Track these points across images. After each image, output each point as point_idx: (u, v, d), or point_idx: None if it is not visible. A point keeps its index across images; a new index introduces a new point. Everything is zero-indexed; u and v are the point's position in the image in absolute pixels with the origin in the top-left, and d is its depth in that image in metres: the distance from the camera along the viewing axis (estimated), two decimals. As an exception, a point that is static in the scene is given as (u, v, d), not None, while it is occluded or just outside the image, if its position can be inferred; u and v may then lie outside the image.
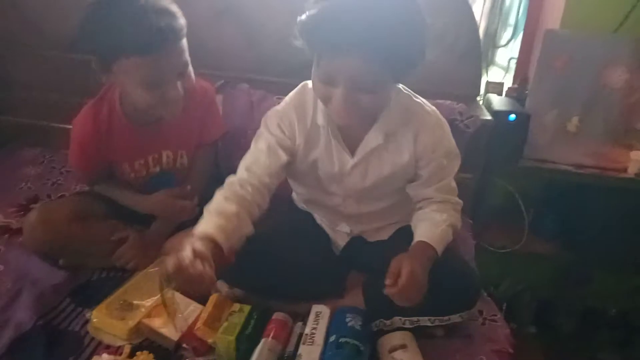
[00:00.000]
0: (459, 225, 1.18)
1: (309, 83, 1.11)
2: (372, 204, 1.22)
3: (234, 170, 1.51)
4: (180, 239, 1.24)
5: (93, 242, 1.29)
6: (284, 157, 1.13)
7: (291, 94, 1.18)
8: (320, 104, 1.09)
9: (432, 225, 1.12)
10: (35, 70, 1.85)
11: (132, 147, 1.31)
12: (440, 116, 1.15)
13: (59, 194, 1.60)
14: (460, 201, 1.20)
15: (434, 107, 1.15)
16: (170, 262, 0.90)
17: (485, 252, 1.76)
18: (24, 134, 1.89)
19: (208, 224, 1.00)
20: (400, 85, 1.11)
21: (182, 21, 1.15)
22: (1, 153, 1.82)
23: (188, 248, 0.92)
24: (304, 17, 0.94)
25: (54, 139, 1.84)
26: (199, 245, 0.93)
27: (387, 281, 0.99)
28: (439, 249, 1.08)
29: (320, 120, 1.10)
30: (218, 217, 1.01)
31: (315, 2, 0.92)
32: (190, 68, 1.22)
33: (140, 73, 1.11)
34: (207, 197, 1.33)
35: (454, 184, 1.18)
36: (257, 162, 1.12)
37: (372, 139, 1.10)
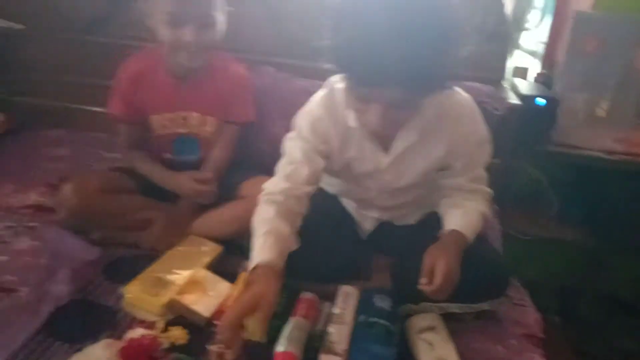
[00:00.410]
0: (489, 215, 1.17)
1: (336, 83, 1.10)
2: (404, 195, 1.22)
3: (257, 153, 1.53)
4: (205, 221, 1.32)
5: (123, 215, 1.32)
6: (321, 162, 1.13)
7: (320, 95, 1.15)
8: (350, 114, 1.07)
9: (463, 213, 1.12)
10: (55, 52, 1.87)
11: (166, 99, 1.38)
12: (473, 104, 1.13)
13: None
14: (490, 190, 1.19)
15: (466, 95, 1.13)
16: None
17: (511, 238, 1.75)
18: (46, 116, 1.91)
19: (270, 249, 1.00)
20: None
21: None
22: (26, 134, 1.85)
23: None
24: (332, 44, 0.91)
25: (75, 120, 1.88)
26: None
27: (423, 280, 1.00)
28: (471, 237, 1.09)
29: (352, 122, 1.07)
30: (276, 241, 1.02)
31: (338, 28, 0.90)
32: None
33: (165, 9, 1.22)
34: (228, 180, 1.39)
35: (484, 172, 1.19)
36: (296, 171, 1.11)
37: (406, 137, 1.09)
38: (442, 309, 1.12)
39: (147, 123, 1.42)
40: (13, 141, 1.79)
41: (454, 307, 1.12)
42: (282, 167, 1.14)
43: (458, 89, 1.13)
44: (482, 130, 1.14)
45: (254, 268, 0.99)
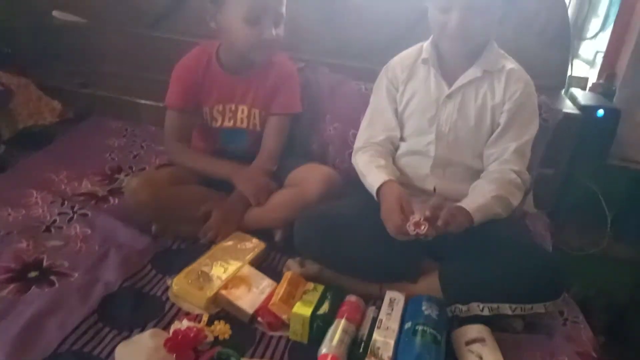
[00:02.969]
0: (513, 200, 1.17)
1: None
2: (459, 153, 1.25)
3: (310, 153, 1.54)
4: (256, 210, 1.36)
5: (187, 205, 1.35)
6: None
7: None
8: (426, 47, 1.25)
9: (476, 195, 1.16)
10: (120, 46, 1.93)
11: (218, 91, 1.44)
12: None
13: (141, 167, 1.67)
14: (526, 173, 1.22)
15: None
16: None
17: (561, 253, 1.69)
18: (109, 107, 1.97)
19: (385, 172, 1.20)
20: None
21: None
22: (87, 123, 1.91)
23: (393, 203, 1.11)
24: None
25: (136, 112, 1.94)
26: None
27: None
28: (476, 216, 1.10)
29: (425, 54, 1.25)
30: (385, 166, 1.23)
31: None
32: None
33: (245, 7, 1.29)
34: (277, 169, 1.43)
35: (528, 151, 1.23)
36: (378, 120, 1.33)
37: (471, 72, 1.21)
38: (492, 309, 1.09)
39: (199, 114, 1.47)
40: (71, 130, 1.85)
41: (505, 308, 1.08)
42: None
43: None
44: (534, 101, 1.25)
45: (379, 188, 1.18)
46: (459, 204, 1.13)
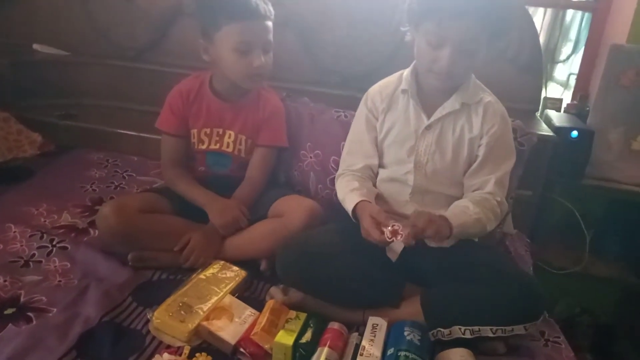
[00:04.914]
0: (489, 226, 1.21)
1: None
2: (436, 182, 1.27)
3: (292, 180, 1.55)
4: (236, 239, 1.38)
5: (160, 235, 1.35)
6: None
7: None
8: (405, 77, 1.27)
9: (460, 212, 1.18)
10: (102, 78, 1.95)
11: (207, 116, 1.49)
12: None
13: (122, 197, 1.66)
14: (505, 203, 1.25)
15: None
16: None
17: (543, 272, 1.70)
18: (91, 139, 1.97)
19: (359, 194, 1.23)
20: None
21: (271, 8, 1.39)
22: (69, 156, 1.90)
23: (368, 220, 1.14)
24: None
25: (119, 144, 1.93)
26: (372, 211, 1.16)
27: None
28: (456, 230, 1.13)
29: (404, 85, 1.27)
30: (360, 187, 1.26)
31: None
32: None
33: (235, 38, 1.34)
34: (259, 199, 1.44)
35: (506, 181, 1.26)
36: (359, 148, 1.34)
37: (450, 104, 1.24)
38: (473, 332, 1.09)
39: (188, 137, 1.51)
40: (51, 162, 1.83)
41: (486, 330, 1.09)
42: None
43: None
44: (509, 134, 1.28)
45: (354, 211, 1.21)
46: (443, 214, 1.15)
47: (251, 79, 1.41)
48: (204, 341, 1.10)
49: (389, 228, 1.10)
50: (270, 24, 1.39)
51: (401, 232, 1.08)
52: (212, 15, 1.36)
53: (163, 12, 1.85)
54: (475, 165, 1.25)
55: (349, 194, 1.25)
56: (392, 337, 1.07)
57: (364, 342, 1.06)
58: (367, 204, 1.20)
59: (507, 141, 1.27)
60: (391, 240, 1.10)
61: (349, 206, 1.22)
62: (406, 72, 1.29)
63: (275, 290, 1.24)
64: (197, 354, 1.05)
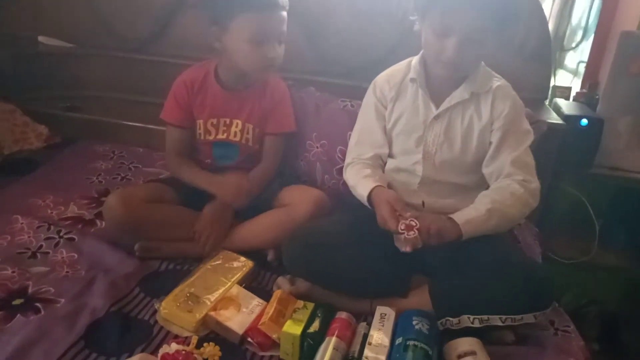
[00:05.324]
0: (513, 212, 1.17)
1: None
2: (445, 172, 1.25)
3: (298, 171, 1.54)
4: (243, 229, 1.37)
5: (166, 225, 1.35)
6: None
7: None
8: (414, 66, 1.25)
9: (470, 208, 1.16)
10: (106, 70, 1.94)
11: (213, 106, 1.47)
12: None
13: (128, 188, 1.66)
14: (532, 180, 1.20)
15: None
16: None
17: (552, 262, 1.69)
18: (95, 130, 1.97)
19: (373, 180, 1.22)
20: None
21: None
22: (74, 148, 1.90)
23: (385, 207, 1.13)
24: None
25: (124, 135, 1.94)
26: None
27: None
28: (466, 229, 1.11)
29: (413, 73, 1.25)
30: (372, 174, 1.25)
31: None
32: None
33: (251, 28, 1.32)
34: (265, 190, 1.44)
35: (529, 159, 1.22)
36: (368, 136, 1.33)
37: (458, 94, 1.22)
38: (482, 321, 1.08)
39: (194, 128, 1.49)
40: (57, 154, 1.84)
41: (496, 319, 1.08)
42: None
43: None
44: (523, 117, 1.25)
45: (369, 197, 1.20)
46: (450, 215, 1.14)
47: (264, 70, 1.40)
48: (211, 331, 1.11)
49: (406, 221, 1.09)
50: (285, 14, 1.37)
51: (415, 229, 1.08)
52: (227, 2, 1.33)
53: (166, 4, 1.84)
54: (490, 151, 1.23)
55: (361, 180, 1.24)
56: (400, 327, 1.06)
57: (372, 332, 1.05)
58: (383, 189, 1.20)
59: (521, 123, 1.24)
60: (403, 232, 1.09)
61: (363, 192, 1.21)
62: (414, 60, 1.27)
63: (282, 280, 1.24)
64: (204, 344, 1.04)
